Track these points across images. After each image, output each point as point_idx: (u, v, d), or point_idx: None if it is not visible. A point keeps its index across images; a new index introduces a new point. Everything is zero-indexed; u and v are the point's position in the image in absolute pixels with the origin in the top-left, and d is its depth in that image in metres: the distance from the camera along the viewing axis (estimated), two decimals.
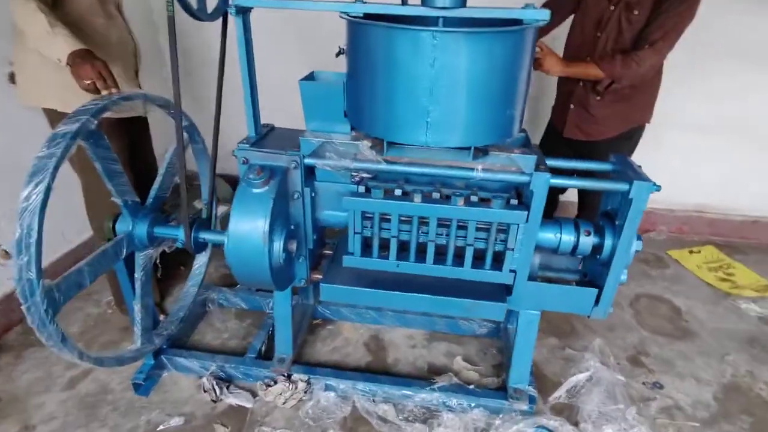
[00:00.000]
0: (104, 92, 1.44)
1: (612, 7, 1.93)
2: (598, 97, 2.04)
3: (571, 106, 2.16)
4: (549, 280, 1.70)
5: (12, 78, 1.83)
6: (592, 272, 1.69)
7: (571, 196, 2.57)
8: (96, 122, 1.27)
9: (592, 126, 2.13)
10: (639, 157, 2.67)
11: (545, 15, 1.27)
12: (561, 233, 1.58)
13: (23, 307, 1.16)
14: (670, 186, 2.93)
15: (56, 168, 1.16)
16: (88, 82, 1.43)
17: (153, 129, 2.16)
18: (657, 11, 1.84)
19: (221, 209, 2.72)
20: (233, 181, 3.07)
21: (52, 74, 1.67)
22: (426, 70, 1.16)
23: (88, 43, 1.67)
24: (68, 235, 2.38)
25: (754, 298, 2.51)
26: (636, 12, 1.89)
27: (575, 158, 2.23)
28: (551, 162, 1.65)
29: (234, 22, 1.44)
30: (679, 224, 3.07)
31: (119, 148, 1.87)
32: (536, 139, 2.43)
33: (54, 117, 1.81)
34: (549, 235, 1.59)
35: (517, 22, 1.28)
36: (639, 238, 1.56)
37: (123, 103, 1.40)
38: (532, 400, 1.79)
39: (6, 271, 2.10)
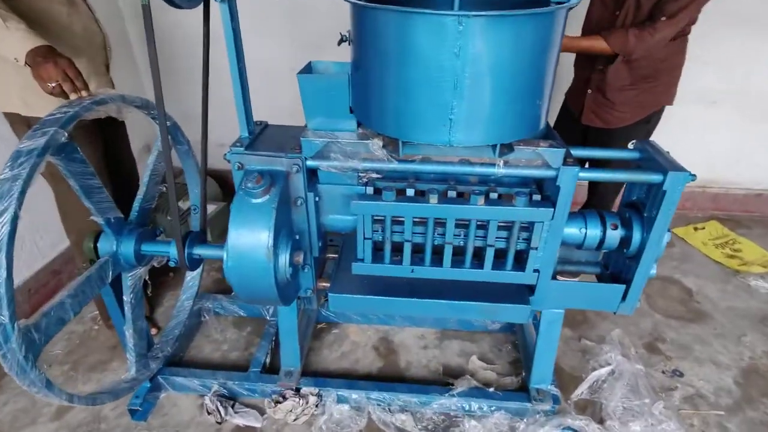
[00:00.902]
0: (72, 96, 1.25)
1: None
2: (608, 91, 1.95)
3: (589, 91, 2.03)
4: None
5: None
6: (616, 265, 1.60)
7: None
8: (66, 134, 1.09)
9: (611, 112, 2.00)
10: (661, 132, 2.58)
11: None
12: (586, 228, 1.47)
13: None
14: (677, 160, 2.86)
15: (23, 192, 0.99)
16: (53, 84, 1.23)
17: (128, 125, 1.97)
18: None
19: (209, 209, 2.55)
20: (220, 178, 2.88)
21: (11, 73, 1.46)
22: (450, 60, 1.01)
23: (47, 36, 1.46)
24: (43, 249, 2.17)
25: (762, 274, 2.47)
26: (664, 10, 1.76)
27: (588, 143, 2.16)
28: (575, 152, 1.54)
29: (219, 9, 1.26)
30: (682, 200, 2.96)
31: (94, 155, 1.69)
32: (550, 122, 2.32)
33: (16, 121, 1.61)
34: (573, 230, 1.48)
35: (544, 2, 1.14)
36: (668, 230, 1.46)
37: (96, 108, 1.21)
38: (555, 400, 1.71)
39: None
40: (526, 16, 0.99)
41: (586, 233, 1.48)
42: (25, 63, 1.26)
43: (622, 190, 1.85)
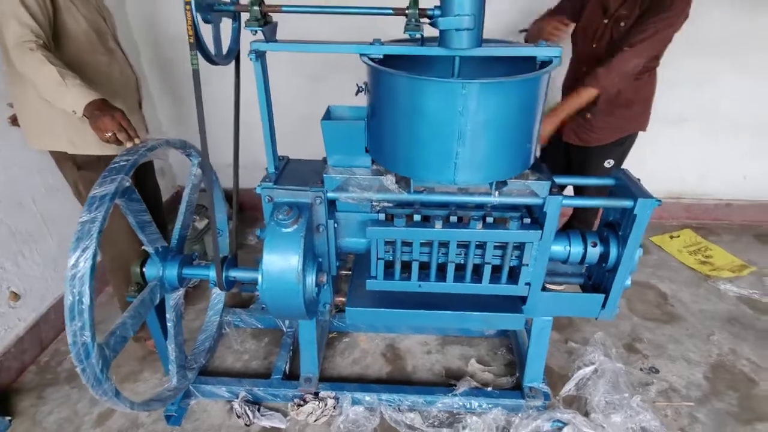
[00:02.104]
0: (127, 144, 1.44)
1: (605, 21, 2.03)
2: (589, 115, 2.16)
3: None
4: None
5: (14, 121, 1.79)
6: (597, 277, 1.83)
7: None
8: (129, 180, 1.29)
9: (589, 133, 2.23)
10: (634, 155, 2.83)
11: (557, 52, 1.35)
12: (570, 246, 1.70)
13: (77, 369, 1.19)
14: (648, 174, 3.12)
15: (100, 231, 1.18)
16: (109, 134, 1.43)
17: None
18: (641, 19, 1.94)
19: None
20: (229, 196, 3.06)
21: (58, 117, 1.65)
22: (455, 117, 1.23)
23: (90, 84, 1.66)
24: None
25: (731, 278, 2.73)
26: (623, 24, 1.99)
27: (569, 158, 2.39)
28: (558, 180, 1.77)
29: (253, 67, 1.46)
30: (659, 210, 3.24)
31: None
32: None
33: (62, 158, 1.80)
34: (559, 248, 1.70)
35: (531, 58, 1.37)
36: (640, 246, 1.69)
37: (149, 154, 1.41)
38: (546, 396, 1.93)
39: (15, 312, 2.09)
40: (515, 82, 1.21)
41: (570, 250, 1.70)
42: (84, 115, 1.45)
43: (601, 209, 2.09)
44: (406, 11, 1.31)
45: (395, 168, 1.46)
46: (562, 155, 2.41)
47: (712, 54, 2.76)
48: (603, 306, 1.75)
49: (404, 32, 1.31)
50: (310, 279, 1.52)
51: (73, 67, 1.63)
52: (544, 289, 1.76)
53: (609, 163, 2.32)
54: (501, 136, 1.30)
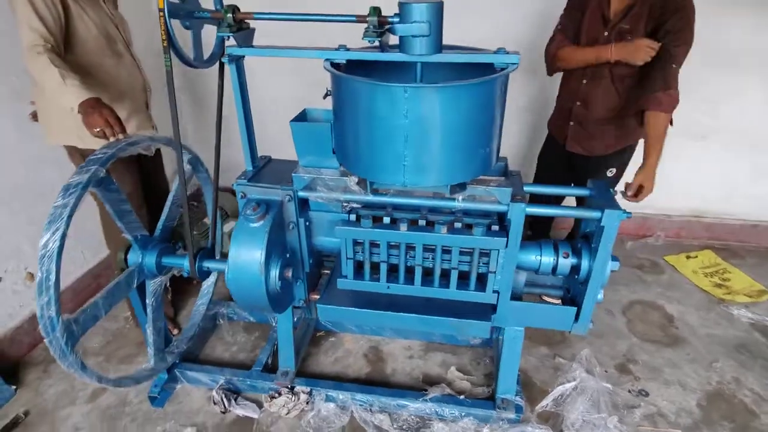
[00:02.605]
0: (112, 138, 1.57)
1: (606, 33, 1.99)
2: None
3: (571, 123, 2.23)
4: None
5: (35, 116, 1.99)
6: (574, 290, 1.78)
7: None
8: (105, 171, 1.40)
9: (590, 142, 2.21)
10: (634, 164, 2.75)
11: (514, 59, 1.36)
12: (541, 255, 1.67)
13: (45, 341, 1.31)
14: (666, 192, 3.00)
15: (70, 216, 1.29)
16: (98, 129, 1.56)
17: (167, 154, 2.32)
18: (669, 35, 1.87)
19: (231, 225, 2.86)
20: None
21: (69, 114, 1.80)
22: (400, 120, 1.26)
23: (98, 84, 1.81)
24: (87, 256, 2.55)
25: (746, 303, 2.56)
26: (629, 37, 1.94)
27: (573, 168, 2.35)
28: (531, 188, 1.76)
29: (228, 69, 1.55)
30: (677, 229, 3.11)
31: (132, 182, 2.04)
32: (538, 147, 2.51)
33: (73, 152, 1.97)
34: (530, 257, 1.68)
35: (489, 65, 1.38)
36: (615, 259, 1.63)
37: (130, 148, 1.53)
38: (518, 409, 1.89)
39: (30, 292, 2.28)
40: (458, 87, 1.23)
41: (540, 260, 1.68)
42: (78, 111, 1.60)
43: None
44: (367, 18, 1.36)
45: (354, 169, 1.50)
46: (566, 165, 2.37)
47: (735, 68, 2.62)
48: (576, 319, 1.71)
49: (362, 38, 1.36)
50: (274, 273, 1.59)
51: (83, 68, 1.80)
52: (518, 298, 1.75)
53: (611, 172, 2.27)
54: (448, 139, 1.31)
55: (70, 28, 1.78)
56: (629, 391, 2.08)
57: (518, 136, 3.05)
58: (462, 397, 1.97)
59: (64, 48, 1.75)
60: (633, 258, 2.97)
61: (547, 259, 1.67)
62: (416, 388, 2.06)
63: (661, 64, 1.89)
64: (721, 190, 2.97)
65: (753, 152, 2.83)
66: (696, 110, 2.74)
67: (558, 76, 2.26)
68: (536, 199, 2.31)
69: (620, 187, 2.12)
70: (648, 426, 1.92)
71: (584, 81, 2.12)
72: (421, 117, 1.26)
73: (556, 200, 2.49)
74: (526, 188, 1.69)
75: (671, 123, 2.01)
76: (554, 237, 2.09)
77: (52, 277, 1.26)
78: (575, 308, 1.69)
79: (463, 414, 1.91)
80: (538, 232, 2.63)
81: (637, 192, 2.06)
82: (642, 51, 1.87)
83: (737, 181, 2.92)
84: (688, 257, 2.94)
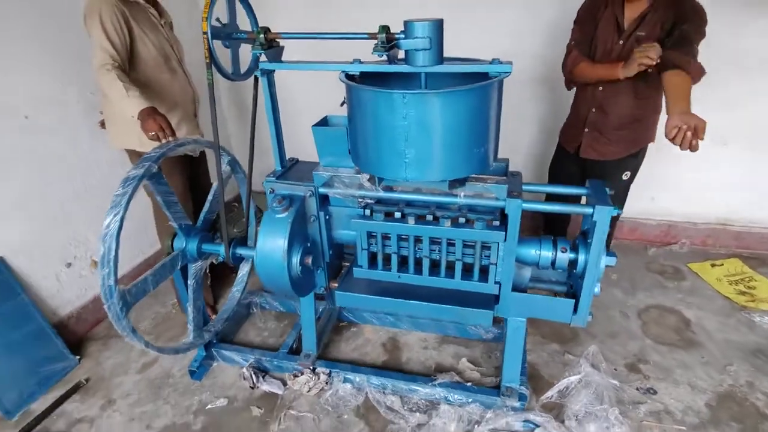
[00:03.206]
0: (164, 141, 1.85)
1: (621, 42, 2.10)
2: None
3: (586, 130, 2.33)
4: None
5: (102, 124, 2.33)
6: (576, 285, 1.88)
7: None
8: (157, 167, 1.68)
9: (606, 147, 2.29)
10: (658, 172, 2.82)
11: (507, 68, 1.52)
12: (540, 250, 1.80)
13: (105, 306, 1.57)
14: (690, 199, 3.02)
15: (128, 202, 1.56)
16: (152, 133, 1.85)
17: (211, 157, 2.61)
18: (676, 28, 1.96)
19: None
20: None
21: (132, 124, 2.11)
22: (400, 122, 1.45)
23: (155, 96, 2.12)
24: (143, 248, 2.89)
25: None
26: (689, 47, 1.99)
27: (587, 174, 2.43)
28: (533, 188, 1.89)
29: (261, 81, 1.80)
30: (703, 237, 3.09)
31: (180, 178, 2.33)
32: (551, 153, 2.62)
33: (133, 155, 2.28)
34: (530, 251, 1.81)
35: (484, 75, 1.54)
36: (611, 254, 1.74)
37: (178, 149, 1.80)
38: (522, 397, 2.00)
39: (95, 277, 2.62)
40: (448, 93, 1.40)
41: (540, 254, 1.80)
42: (137, 118, 1.89)
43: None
44: (377, 35, 1.57)
45: (365, 167, 1.70)
46: (578, 170, 2.47)
47: (754, 72, 2.63)
48: (575, 311, 1.81)
49: (372, 53, 1.56)
50: (296, 259, 1.80)
51: (143, 82, 2.11)
52: (518, 290, 1.88)
53: (626, 175, 2.35)
54: (443, 139, 1.48)
55: (134, 49, 2.10)
56: (637, 389, 2.12)
57: (534, 144, 3.15)
58: (469, 384, 2.10)
59: (128, 65, 2.07)
60: (655, 264, 2.98)
61: (546, 253, 1.79)
62: (428, 376, 2.20)
63: (681, 41, 1.93)
64: (748, 197, 2.94)
65: None
66: (715, 114, 2.73)
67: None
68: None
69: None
70: (652, 421, 1.97)
71: (600, 88, 2.21)
72: (418, 119, 1.44)
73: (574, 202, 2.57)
74: (526, 187, 1.83)
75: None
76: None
77: (112, 252, 1.52)
78: (573, 300, 1.79)
79: (469, 400, 2.03)
80: (555, 233, 2.72)
81: (693, 133, 1.70)
82: (635, 62, 1.89)
83: (763, 188, 2.88)
84: (713, 265, 2.92)
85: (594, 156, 2.35)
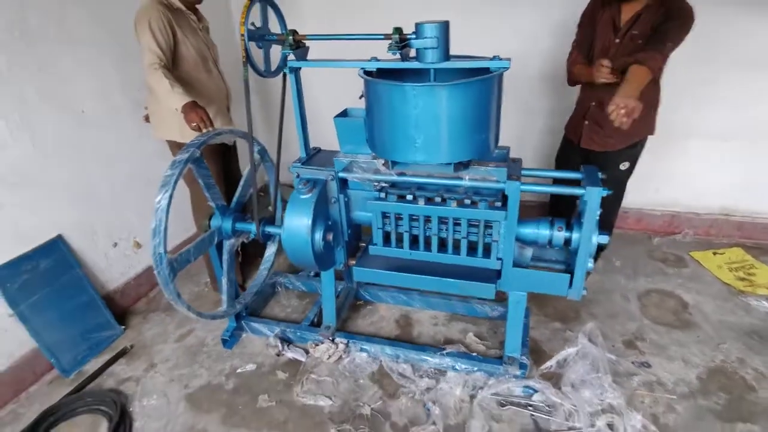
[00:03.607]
0: (204, 130, 2.10)
1: (617, 40, 2.28)
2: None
3: (586, 122, 2.52)
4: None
5: (147, 119, 2.60)
6: (571, 262, 2.06)
7: None
8: (199, 152, 1.93)
9: (604, 138, 2.48)
10: (662, 164, 2.98)
11: (506, 64, 1.72)
12: (538, 229, 1.99)
13: (155, 271, 1.82)
14: (693, 190, 3.16)
15: (176, 182, 1.81)
16: (194, 124, 2.10)
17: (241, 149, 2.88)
18: (661, 25, 2.13)
19: None
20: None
21: (174, 117, 2.38)
22: (411, 111, 1.67)
23: (194, 93, 2.37)
24: (188, 228, 3.14)
25: (767, 296, 2.64)
26: (640, 41, 2.20)
27: (589, 164, 2.60)
28: (532, 172, 2.08)
29: (289, 78, 2.04)
30: (707, 227, 3.21)
31: (216, 165, 2.59)
32: (558, 145, 2.80)
33: (173, 145, 2.55)
34: (529, 231, 2.00)
35: (486, 70, 1.75)
36: (604, 233, 1.91)
37: (216, 137, 2.05)
38: (523, 366, 2.18)
39: (137, 256, 2.90)
40: (451, 86, 1.61)
41: (538, 233, 1.99)
42: (181, 111, 2.15)
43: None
44: (391, 36, 1.78)
45: (380, 153, 1.92)
46: (580, 159, 2.63)
47: (757, 71, 2.75)
48: (570, 285, 1.99)
49: (387, 51, 1.78)
50: (318, 235, 2.03)
51: (184, 80, 2.37)
52: (523, 267, 2.06)
53: (624, 165, 2.52)
54: (448, 126, 1.69)
55: (177, 50, 2.36)
56: (632, 363, 2.28)
57: (543, 136, 3.31)
58: (475, 354, 2.29)
59: (172, 65, 2.33)
60: (658, 252, 3.12)
61: (543, 232, 1.98)
62: (437, 347, 2.40)
63: (657, 38, 2.13)
64: (749, 189, 3.05)
65: None
66: (719, 111, 2.89)
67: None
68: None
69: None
70: (644, 391, 2.13)
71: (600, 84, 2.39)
72: (426, 108, 1.66)
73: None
74: (525, 172, 2.02)
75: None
76: None
77: (162, 224, 1.77)
78: (569, 275, 1.97)
79: (474, 368, 2.22)
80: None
81: (626, 113, 1.95)
82: (599, 71, 2.19)
83: (765, 180, 2.99)
84: (715, 253, 3.04)
85: (594, 147, 2.52)
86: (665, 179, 3.18)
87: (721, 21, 2.68)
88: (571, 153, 2.67)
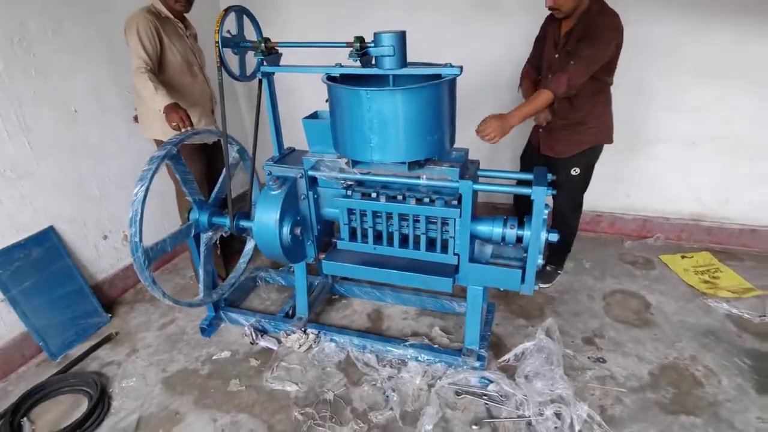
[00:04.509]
0: (183, 130, 2.26)
1: (557, 55, 2.41)
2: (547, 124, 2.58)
3: (540, 129, 2.64)
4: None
5: (136, 119, 2.77)
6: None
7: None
8: (176, 149, 2.08)
9: (556, 146, 2.60)
10: (633, 170, 3.09)
11: (456, 71, 1.85)
12: (492, 227, 2.10)
13: (132, 258, 1.97)
14: (662, 195, 3.25)
15: (152, 176, 1.96)
16: (174, 124, 2.26)
17: None
18: (579, 44, 2.26)
19: None
20: None
21: (158, 118, 2.54)
22: (365, 113, 1.80)
23: (179, 95, 2.53)
24: (166, 228, 3.30)
25: (728, 298, 2.72)
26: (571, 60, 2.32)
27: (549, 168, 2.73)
28: (488, 173, 2.20)
29: (263, 82, 2.19)
30: (678, 232, 3.30)
31: (199, 164, 2.74)
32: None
33: (159, 144, 2.71)
34: (484, 228, 2.12)
35: (437, 76, 1.88)
36: (553, 232, 2.03)
37: (195, 136, 2.20)
38: (481, 358, 2.29)
39: (126, 249, 3.06)
40: (399, 91, 1.74)
41: (492, 230, 2.10)
42: (163, 111, 2.31)
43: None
44: (353, 44, 1.92)
45: (342, 151, 2.05)
46: (541, 163, 2.76)
47: (720, 78, 2.85)
48: (522, 281, 2.10)
49: (348, 58, 1.92)
50: (286, 229, 2.16)
51: (169, 84, 2.53)
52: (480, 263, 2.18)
53: (575, 171, 2.63)
54: (399, 128, 1.82)
55: (163, 56, 2.52)
56: (588, 358, 2.38)
57: (522, 139, 3.42)
58: (437, 347, 2.40)
59: (158, 69, 2.50)
60: (629, 255, 3.21)
61: (497, 229, 2.10)
62: (402, 339, 2.52)
63: (568, 58, 2.26)
64: (717, 195, 3.13)
65: (746, 158, 2.98)
66: (685, 118, 2.99)
67: None
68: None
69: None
70: (596, 384, 2.22)
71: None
72: (379, 110, 1.79)
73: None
74: (483, 172, 2.14)
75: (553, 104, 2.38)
76: None
77: (138, 215, 1.92)
78: (520, 271, 2.09)
79: (436, 360, 2.34)
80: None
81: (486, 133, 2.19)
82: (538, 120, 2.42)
83: (733, 186, 3.07)
84: (683, 257, 3.12)
85: (548, 153, 2.67)
86: (637, 184, 3.28)
87: (687, 33, 2.79)
88: (532, 156, 2.80)
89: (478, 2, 3.12)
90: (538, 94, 2.30)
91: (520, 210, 2.99)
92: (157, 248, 2.08)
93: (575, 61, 2.22)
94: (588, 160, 2.60)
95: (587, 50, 2.21)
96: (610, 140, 2.56)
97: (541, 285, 2.89)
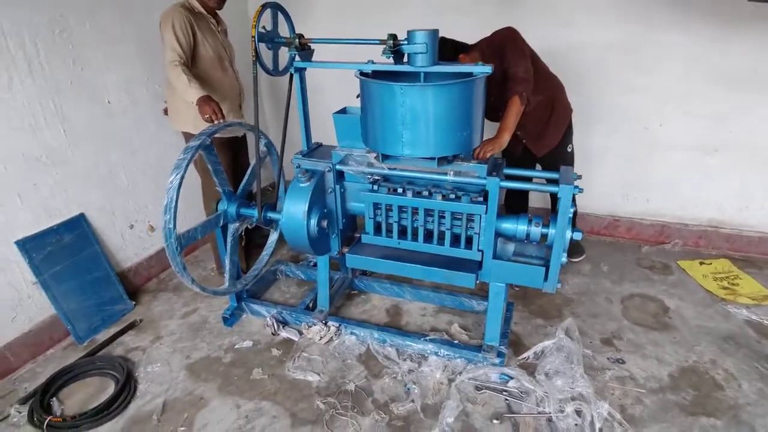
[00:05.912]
0: (216, 122, 2.31)
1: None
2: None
3: (518, 133, 2.72)
4: None
5: (165, 112, 2.84)
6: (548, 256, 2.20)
7: None
8: (210, 140, 2.13)
9: (544, 142, 2.80)
10: (653, 177, 3.15)
11: (488, 69, 1.89)
12: (517, 224, 2.13)
13: (165, 244, 2.02)
14: (681, 201, 3.26)
15: (187, 165, 2.01)
16: (207, 116, 2.31)
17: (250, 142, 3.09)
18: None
19: None
20: None
21: (189, 110, 2.60)
22: (399, 108, 1.85)
23: (210, 89, 2.59)
24: (191, 221, 3.36)
25: (748, 305, 2.72)
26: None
27: (545, 166, 2.87)
28: (515, 172, 2.24)
29: (294, 77, 2.24)
30: (696, 238, 3.30)
31: (226, 156, 2.80)
32: None
33: (188, 136, 2.77)
34: (509, 225, 2.15)
35: (469, 74, 1.92)
36: (578, 230, 2.05)
37: (227, 129, 2.25)
38: (501, 355, 2.31)
39: (150, 239, 3.12)
40: (434, 87, 1.78)
41: (517, 228, 2.13)
42: (196, 104, 2.37)
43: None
44: (386, 42, 1.97)
45: (372, 146, 2.10)
46: (526, 155, 2.88)
47: (742, 87, 2.86)
48: (546, 279, 2.13)
49: (381, 55, 1.97)
50: (313, 221, 2.21)
51: (201, 77, 2.59)
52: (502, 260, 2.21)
53: (570, 148, 2.85)
54: (432, 123, 1.86)
55: (196, 50, 2.59)
56: (607, 359, 2.39)
57: None
58: (456, 342, 2.43)
59: (191, 63, 2.56)
60: (646, 260, 3.22)
61: (521, 227, 2.13)
62: (422, 334, 2.54)
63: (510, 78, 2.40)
64: (737, 202, 3.13)
65: (766, 166, 2.99)
66: (705, 126, 3.00)
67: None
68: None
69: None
70: (615, 384, 2.24)
71: (500, 114, 2.53)
72: (412, 106, 1.84)
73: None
74: (506, 171, 2.17)
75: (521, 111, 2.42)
76: None
77: (173, 202, 1.97)
78: (544, 268, 2.11)
79: (455, 355, 2.36)
80: (517, 209, 3.03)
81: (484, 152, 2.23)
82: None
83: (753, 194, 3.08)
84: (701, 263, 3.13)
85: (545, 152, 2.82)
86: (656, 190, 3.29)
87: (709, 41, 2.82)
88: (527, 159, 2.88)
89: (503, 7, 3.16)
90: (509, 104, 2.37)
91: (508, 204, 3.09)
92: (188, 235, 2.13)
93: (513, 69, 2.38)
94: (567, 137, 2.81)
95: (513, 67, 2.40)
96: (570, 116, 2.80)
97: (572, 260, 3.11)
